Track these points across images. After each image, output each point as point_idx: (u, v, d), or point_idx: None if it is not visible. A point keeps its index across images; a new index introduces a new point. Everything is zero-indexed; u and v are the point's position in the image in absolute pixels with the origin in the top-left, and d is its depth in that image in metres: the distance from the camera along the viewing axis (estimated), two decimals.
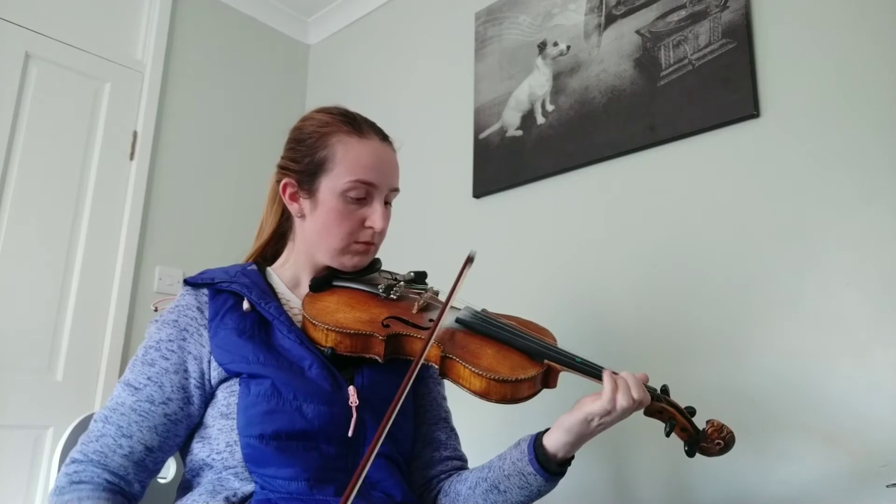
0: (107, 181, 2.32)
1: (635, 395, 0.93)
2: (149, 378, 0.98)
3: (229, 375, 0.99)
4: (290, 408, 0.95)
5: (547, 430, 0.99)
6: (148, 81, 2.46)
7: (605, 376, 0.94)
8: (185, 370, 0.99)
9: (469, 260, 1.06)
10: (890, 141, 1.36)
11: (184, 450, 1.04)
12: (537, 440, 0.98)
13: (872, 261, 1.35)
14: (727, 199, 1.57)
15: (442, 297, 1.13)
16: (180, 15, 2.60)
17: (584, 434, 0.95)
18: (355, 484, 0.78)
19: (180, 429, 0.99)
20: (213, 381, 0.99)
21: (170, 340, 1.01)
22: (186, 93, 2.58)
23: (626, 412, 0.93)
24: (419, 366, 0.91)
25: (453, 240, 2.16)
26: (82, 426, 1.14)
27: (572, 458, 1.00)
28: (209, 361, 1.00)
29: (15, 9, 2.20)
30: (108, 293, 2.27)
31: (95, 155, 2.31)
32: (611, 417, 0.93)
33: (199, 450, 0.99)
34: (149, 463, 0.97)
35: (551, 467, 0.97)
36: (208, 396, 1.00)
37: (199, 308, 1.04)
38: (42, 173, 2.18)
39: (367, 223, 1.09)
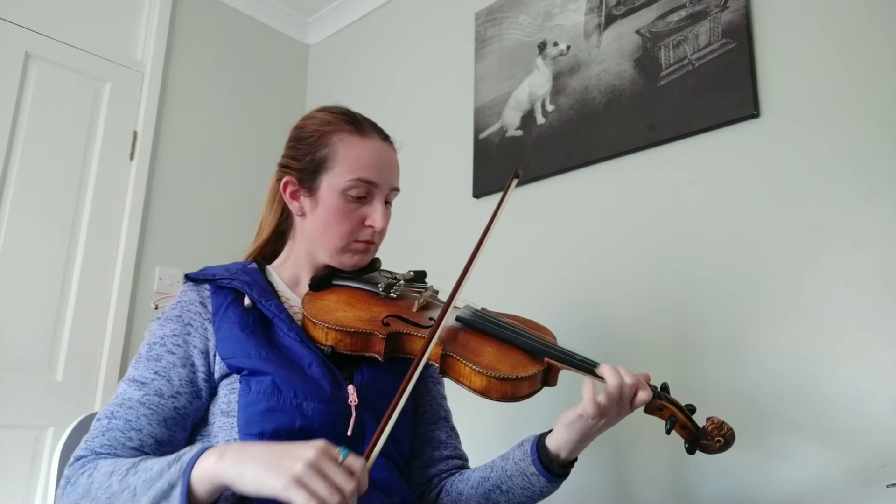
0: (107, 181, 2.31)
1: (628, 379, 0.92)
2: (156, 372, 0.97)
3: (231, 371, 0.98)
4: (290, 406, 0.95)
5: (550, 430, 0.99)
6: (148, 81, 2.46)
7: (604, 368, 0.94)
8: (192, 364, 0.99)
9: (516, 175, 1.08)
10: (890, 141, 1.36)
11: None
12: (540, 440, 0.98)
13: (872, 261, 1.34)
14: (727, 198, 1.57)
15: (441, 297, 1.13)
16: (180, 15, 2.60)
17: (586, 431, 0.95)
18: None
19: (188, 423, 0.98)
20: (217, 376, 0.99)
21: (174, 335, 1.00)
22: (186, 93, 2.58)
23: (624, 403, 0.93)
24: (421, 365, 0.90)
25: (453, 240, 2.15)
26: (82, 426, 1.14)
27: (576, 459, 1.00)
28: (214, 355, 1.00)
29: (15, 9, 2.19)
30: (108, 293, 2.26)
31: (95, 155, 2.31)
32: (609, 408, 0.92)
33: None
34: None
35: (553, 468, 0.97)
36: (213, 390, 1.00)
37: (202, 303, 1.04)
38: (42, 173, 2.18)
39: (368, 222, 1.09)
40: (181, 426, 0.97)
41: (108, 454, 0.91)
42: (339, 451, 0.77)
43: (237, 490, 0.79)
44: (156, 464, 0.85)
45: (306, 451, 0.76)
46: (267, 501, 0.81)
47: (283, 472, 0.74)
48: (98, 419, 0.96)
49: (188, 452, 0.84)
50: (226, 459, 0.80)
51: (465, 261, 1.02)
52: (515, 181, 1.09)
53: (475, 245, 1.03)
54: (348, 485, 0.74)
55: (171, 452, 0.94)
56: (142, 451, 0.92)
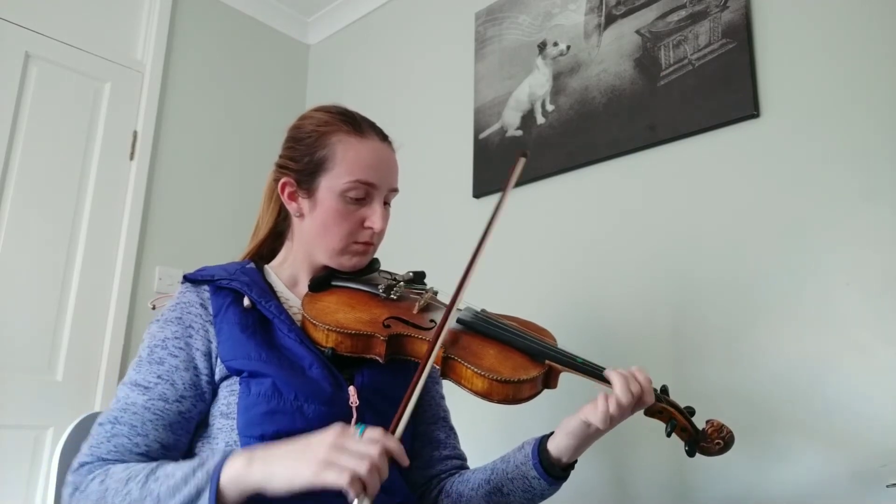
0: (107, 181, 2.31)
1: (633, 388, 0.93)
2: (159, 376, 0.96)
3: (230, 373, 0.98)
4: (290, 408, 0.94)
5: (551, 433, 0.99)
6: (148, 81, 2.46)
7: (614, 376, 0.94)
8: (196, 367, 0.98)
9: (523, 155, 1.07)
10: (890, 140, 1.36)
11: None
12: (541, 444, 0.98)
13: (872, 261, 1.34)
14: (727, 199, 1.57)
15: (441, 298, 1.13)
16: (180, 15, 2.60)
17: (587, 437, 0.95)
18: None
19: (192, 426, 0.98)
20: (217, 378, 0.99)
21: (176, 338, 0.99)
22: (186, 93, 2.58)
23: (628, 410, 0.93)
24: (428, 368, 0.90)
25: (453, 240, 2.15)
26: (82, 426, 1.13)
27: (576, 461, 1.00)
28: (216, 357, 0.99)
29: (15, 9, 2.19)
30: (108, 293, 2.26)
31: (95, 155, 2.31)
32: (618, 418, 0.93)
33: (199, 449, 0.99)
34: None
35: (555, 472, 0.97)
36: (214, 392, 0.99)
37: (202, 304, 1.03)
38: (42, 173, 2.18)
39: (367, 223, 1.08)
40: (186, 430, 0.97)
41: (115, 461, 0.91)
42: (355, 429, 0.82)
43: (267, 492, 0.81)
44: (177, 469, 0.85)
45: (326, 436, 0.81)
46: (279, 500, 0.82)
47: (310, 461, 0.79)
48: (100, 423, 0.95)
49: (212, 458, 0.85)
50: (255, 464, 0.82)
51: (466, 262, 1.02)
52: (523, 160, 1.09)
53: (480, 238, 1.03)
54: (373, 450, 0.78)
55: (177, 457, 0.95)
56: (149, 456, 0.92)
